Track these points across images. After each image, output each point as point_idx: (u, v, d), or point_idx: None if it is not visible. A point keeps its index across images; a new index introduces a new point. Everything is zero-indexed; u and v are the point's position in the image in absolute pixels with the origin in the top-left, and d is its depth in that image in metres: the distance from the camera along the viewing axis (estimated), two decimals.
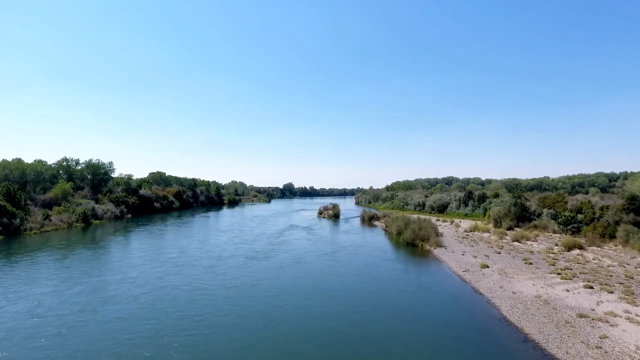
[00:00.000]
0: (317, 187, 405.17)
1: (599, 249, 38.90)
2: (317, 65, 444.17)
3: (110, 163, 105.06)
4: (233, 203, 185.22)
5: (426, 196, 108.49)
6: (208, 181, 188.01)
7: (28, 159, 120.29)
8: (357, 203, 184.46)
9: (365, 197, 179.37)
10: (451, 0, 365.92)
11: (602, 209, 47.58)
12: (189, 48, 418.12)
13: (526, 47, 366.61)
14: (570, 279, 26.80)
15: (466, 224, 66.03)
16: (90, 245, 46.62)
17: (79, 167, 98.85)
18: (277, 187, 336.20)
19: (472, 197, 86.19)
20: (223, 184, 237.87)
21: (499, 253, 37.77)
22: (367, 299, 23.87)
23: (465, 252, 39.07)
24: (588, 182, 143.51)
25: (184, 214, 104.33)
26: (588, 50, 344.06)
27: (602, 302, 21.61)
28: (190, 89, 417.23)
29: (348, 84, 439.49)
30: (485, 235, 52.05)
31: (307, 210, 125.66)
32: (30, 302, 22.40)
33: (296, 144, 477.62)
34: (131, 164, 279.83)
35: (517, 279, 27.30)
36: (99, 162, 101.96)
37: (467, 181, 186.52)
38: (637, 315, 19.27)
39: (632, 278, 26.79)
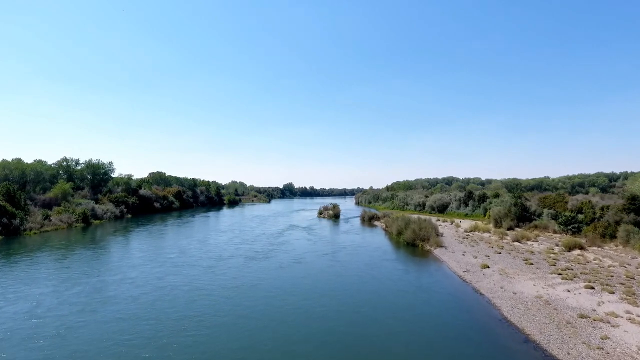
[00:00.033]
0: (317, 187, 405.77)
1: (599, 249, 38.83)
2: (317, 65, 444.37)
3: (110, 163, 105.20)
4: (233, 203, 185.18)
5: (426, 196, 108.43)
6: (208, 181, 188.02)
7: (28, 159, 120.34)
8: (357, 203, 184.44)
9: (365, 197, 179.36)
10: (451, 0, 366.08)
11: (602, 209, 47.51)
12: (188, 48, 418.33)
13: (526, 47, 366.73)
14: (571, 280, 26.73)
15: (466, 224, 65.97)
16: (90, 245, 46.55)
17: (78, 167, 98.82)
18: (277, 187, 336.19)
19: (472, 197, 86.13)
20: (223, 184, 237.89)
21: (500, 253, 37.71)
22: (367, 299, 23.81)
23: (466, 252, 39.00)
24: (588, 182, 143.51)
25: (184, 214, 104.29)
26: (588, 50, 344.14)
27: (603, 302, 21.55)
28: (190, 89, 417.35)
29: (348, 84, 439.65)
30: (486, 235, 51.99)
31: (307, 210, 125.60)
32: (29, 303, 22.33)
33: (296, 144, 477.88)
34: (131, 164, 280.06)
35: (518, 279, 27.23)
36: (98, 162, 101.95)
37: (467, 181, 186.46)
38: (639, 316, 19.20)
39: (633, 278, 26.72)
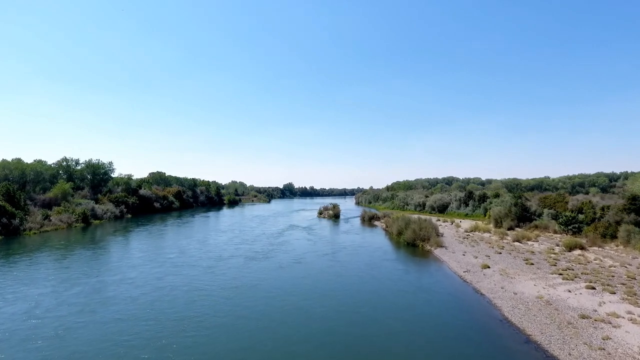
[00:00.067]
0: (317, 187, 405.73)
1: (600, 249, 38.75)
2: (317, 65, 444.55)
3: (110, 163, 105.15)
4: (233, 203, 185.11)
5: (426, 196, 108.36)
6: (208, 181, 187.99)
7: (28, 159, 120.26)
8: (357, 203, 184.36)
9: (366, 197, 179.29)
10: (451, 0, 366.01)
11: (602, 209, 47.43)
12: (188, 48, 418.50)
13: (526, 47, 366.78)
14: (572, 280, 26.65)
15: (467, 224, 65.91)
16: (90, 245, 46.48)
17: (78, 167, 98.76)
18: (277, 187, 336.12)
19: (472, 197, 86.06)
20: (223, 184, 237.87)
21: (500, 253, 37.63)
22: (367, 299, 23.73)
23: (466, 252, 38.92)
24: (588, 182, 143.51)
25: (184, 214, 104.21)
26: (588, 50, 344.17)
27: (604, 303, 21.47)
28: (190, 89, 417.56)
29: (348, 84, 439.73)
30: (486, 235, 51.90)
31: (307, 210, 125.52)
32: (28, 303, 22.26)
33: (296, 144, 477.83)
34: (131, 164, 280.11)
35: (519, 280, 27.16)
36: (98, 162, 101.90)
37: (468, 181, 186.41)
38: None
39: (634, 279, 26.64)
